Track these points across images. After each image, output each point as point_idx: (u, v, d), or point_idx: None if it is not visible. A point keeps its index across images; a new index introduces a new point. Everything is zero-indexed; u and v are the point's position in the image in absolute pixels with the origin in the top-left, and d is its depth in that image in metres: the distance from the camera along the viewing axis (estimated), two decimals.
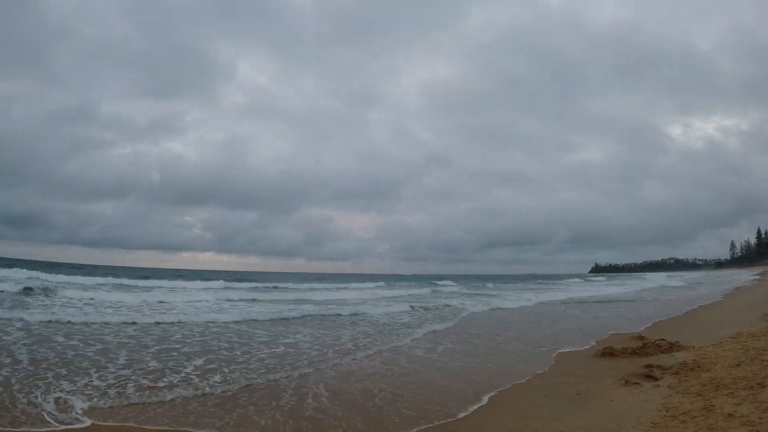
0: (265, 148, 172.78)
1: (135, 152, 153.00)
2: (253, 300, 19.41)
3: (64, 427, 4.41)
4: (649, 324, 12.23)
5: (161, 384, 5.87)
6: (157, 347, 8.17)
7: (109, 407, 5.00)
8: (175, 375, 6.35)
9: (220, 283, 29.33)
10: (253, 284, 32.44)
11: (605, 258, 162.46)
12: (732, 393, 4.56)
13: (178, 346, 8.37)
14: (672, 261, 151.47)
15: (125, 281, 27.54)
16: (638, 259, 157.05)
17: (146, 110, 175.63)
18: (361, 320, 13.16)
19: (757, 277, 48.11)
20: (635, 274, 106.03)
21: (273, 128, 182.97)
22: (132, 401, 5.21)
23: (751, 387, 4.62)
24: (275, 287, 30.13)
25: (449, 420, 4.83)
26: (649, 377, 5.89)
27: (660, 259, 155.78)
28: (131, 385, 5.78)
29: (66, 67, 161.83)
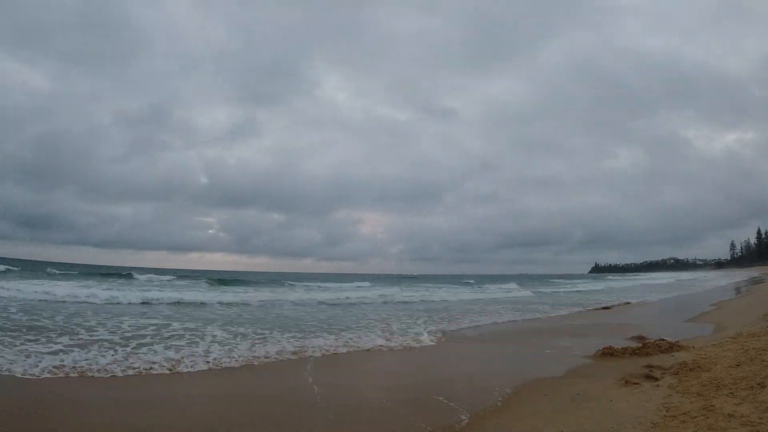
0: (323, 156, 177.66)
1: (193, 156, 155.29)
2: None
3: None
4: (649, 324, 12.23)
5: None
6: None
7: None
8: None
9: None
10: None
11: (614, 258, 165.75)
12: (732, 393, 4.56)
13: None
14: (672, 261, 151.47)
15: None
16: (643, 259, 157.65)
17: (220, 117, 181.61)
18: None
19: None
20: (631, 274, 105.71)
21: (335, 138, 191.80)
22: None
23: (751, 387, 4.62)
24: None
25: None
26: (649, 377, 5.88)
27: (660, 259, 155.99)
28: None
29: (150, 70, 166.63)
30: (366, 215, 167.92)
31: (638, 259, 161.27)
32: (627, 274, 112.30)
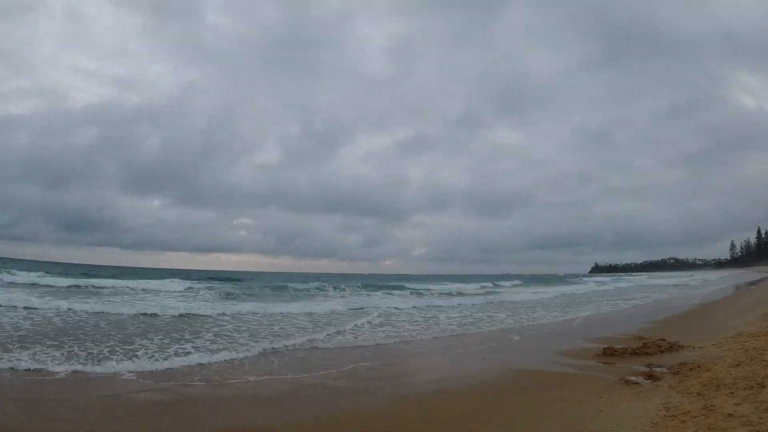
0: (435, 172, 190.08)
1: (320, 167, 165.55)
2: None
3: None
4: (649, 324, 12.24)
5: None
6: None
7: None
8: None
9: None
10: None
11: (630, 258, 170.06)
12: (732, 393, 4.56)
13: None
14: (672, 261, 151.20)
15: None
16: (655, 258, 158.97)
17: (377, 139, 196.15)
18: None
19: None
20: (625, 274, 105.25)
21: (459, 162, 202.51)
22: None
23: (751, 387, 4.62)
24: None
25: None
26: (649, 377, 5.89)
27: (660, 258, 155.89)
28: None
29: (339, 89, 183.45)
30: (434, 220, 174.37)
31: (649, 258, 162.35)
32: (624, 273, 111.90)
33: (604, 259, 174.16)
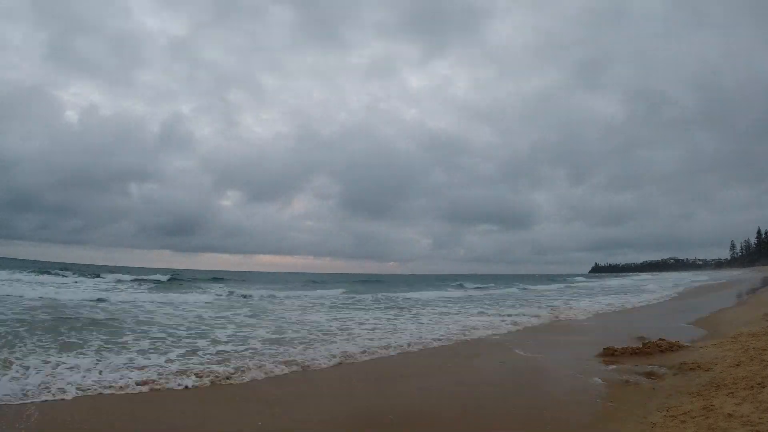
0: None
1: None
2: None
3: None
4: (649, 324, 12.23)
5: None
6: None
7: None
8: None
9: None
10: None
11: (629, 258, 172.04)
12: (732, 393, 4.56)
13: None
14: (672, 261, 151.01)
15: None
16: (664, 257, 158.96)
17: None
18: None
19: None
20: (627, 274, 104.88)
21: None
22: None
23: (751, 387, 4.62)
24: None
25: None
26: (649, 377, 5.89)
27: (660, 259, 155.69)
28: None
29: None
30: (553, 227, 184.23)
31: (649, 258, 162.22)
32: (623, 274, 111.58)
33: (603, 259, 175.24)
